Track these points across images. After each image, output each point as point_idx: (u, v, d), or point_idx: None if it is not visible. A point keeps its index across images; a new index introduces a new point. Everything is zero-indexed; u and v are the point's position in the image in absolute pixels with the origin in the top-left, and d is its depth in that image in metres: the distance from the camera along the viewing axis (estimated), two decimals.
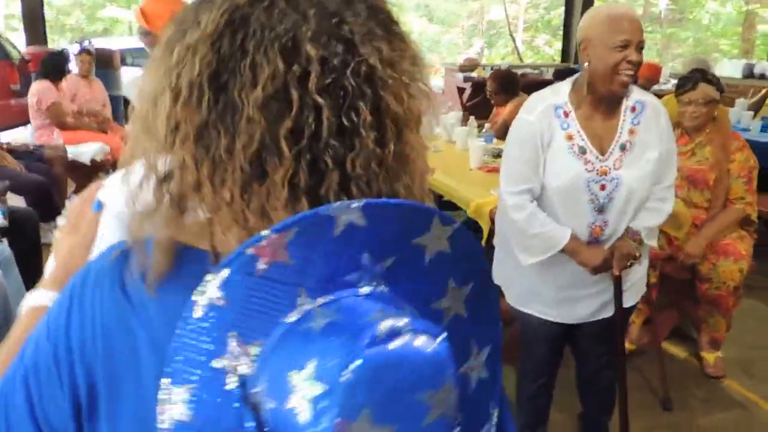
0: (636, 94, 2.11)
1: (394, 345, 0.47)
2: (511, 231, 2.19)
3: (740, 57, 13.33)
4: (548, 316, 2.26)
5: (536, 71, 9.45)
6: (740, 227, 3.27)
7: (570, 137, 2.06)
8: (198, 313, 0.51)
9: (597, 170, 2.06)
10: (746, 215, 3.21)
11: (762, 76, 8.73)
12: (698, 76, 3.17)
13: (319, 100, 0.55)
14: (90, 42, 6.57)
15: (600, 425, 2.57)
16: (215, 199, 0.57)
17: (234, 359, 0.50)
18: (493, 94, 5.14)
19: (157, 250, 0.61)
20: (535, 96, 2.17)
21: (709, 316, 3.32)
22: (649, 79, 5.24)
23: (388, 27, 0.61)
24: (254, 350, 0.50)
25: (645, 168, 2.09)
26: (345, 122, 0.56)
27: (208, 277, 0.51)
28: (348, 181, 0.57)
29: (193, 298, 0.51)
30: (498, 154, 4.24)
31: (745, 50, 15.77)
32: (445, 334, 0.50)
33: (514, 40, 16.33)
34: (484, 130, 4.94)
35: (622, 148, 2.07)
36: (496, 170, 3.82)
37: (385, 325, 0.47)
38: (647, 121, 2.09)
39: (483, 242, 3.10)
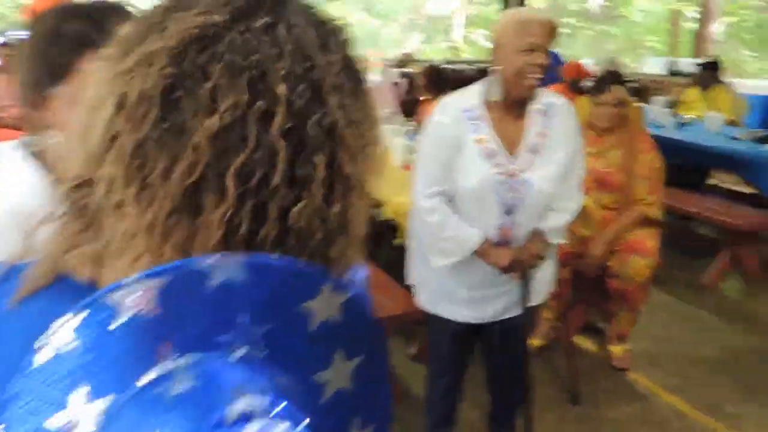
0: (545, 97, 2.16)
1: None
2: (424, 233, 2.24)
3: (667, 54, 13.81)
4: (458, 316, 2.32)
5: (472, 67, 9.58)
6: (646, 225, 3.41)
7: (481, 140, 2.11)
8: (42, 358, 0.45)
9: (506, 172, 2.11)
10: (645, 215, 3.33)
11: (683, 74, 9.12)
12: (610, 78, 3.30)
13: (278, 143, 0.52)
14: (11, 33, 6.35)
15: (508, 422, 2.67)
16: (136, 222, 0.52)
17: (75, 417, 0.44)
18: (423, 89, 5.18)
19: (41, 264, 0.57)
20: (449, 98, 2.22)
21: (617, 311, 3.47)
22: (575, 78, 5.35)
23: (357, 84, 0.59)
24: (102, 405, 0.44)
25: (553, 170, 2.15)
26: (298, 172, 0.53)
27: (66, 317, 0.46)
28: (286, 234, 0.53)
29: (37, 344, 0.45)
30: None
31: (671, 47, 16.35)
32: (307, 421, 0.45)
33: (451, 35, 16.53)
34: (410, 128, 5.01)
35: (531, 150, 2.13)
36: None
37: (240, 405, 0.42)
38: (556, 123, 2.15)
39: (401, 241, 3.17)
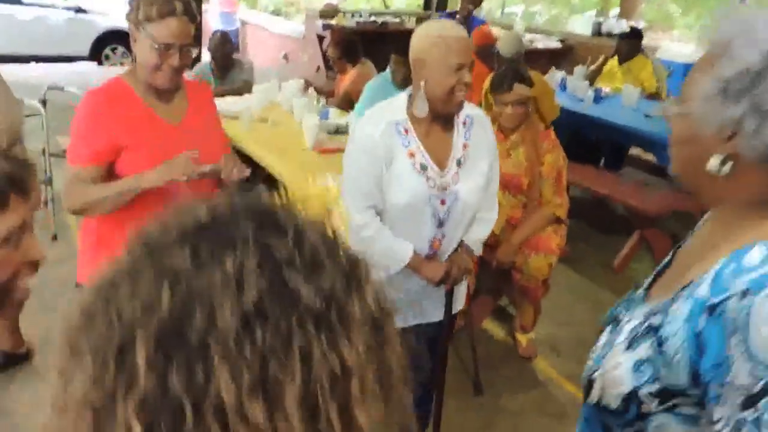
0: (466, 109, 2.20)
1: None
2: (357, 246, 2.21)
3: (600, 7, 13.86)
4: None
5: (398, 20, 9.43)
6: (554, 223, 3.47)
7: (412, 154, 2.14)
8: None
9: (437, 186, 2.16)
10: (555, 217, 3.40)
11: (609, 34, 9.21)
12: (512, 76, 3.24)
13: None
14: None
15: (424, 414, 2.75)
16: None
17: None
18: (335, 60, 5.07)
19: None
20: (377, 110, 2.22)
21: (520, 303, 3.58)
22: (483, 46, 5.19)
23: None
24: None
25: (478, 180, 2.24)
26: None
27: None
28: None
29: None
30: (336, 131, 4.25)
31: (603, 3, 16.48)
32: None
33: None
34: (323, 102, 4.91)
35: (458, 162, 2.19)
36: (331, 151, 3.84)
37: None
38: (477, 134, 2.23)
39: None
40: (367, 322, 0.53)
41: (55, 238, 4.67)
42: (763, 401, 0.85)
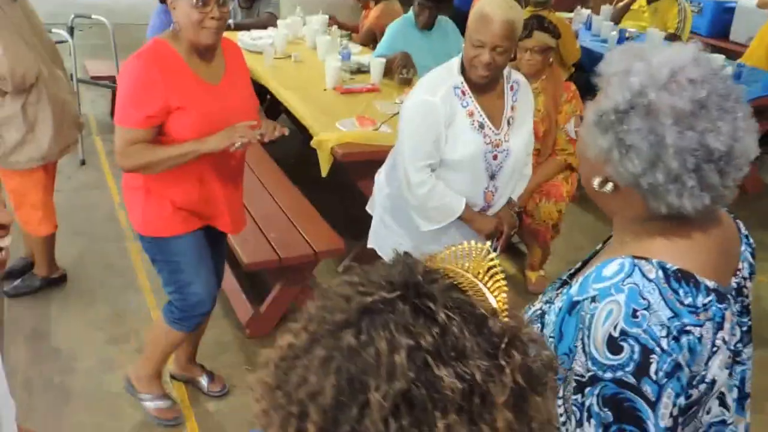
0: (512, 75, 2.45)
1: None
2: (412, 203, 2.48)
3: None
4: None
5: None
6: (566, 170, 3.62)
7: (471, 114, 2.35)
8: None
9: (492, 142, 2.38)
10: (567, 165, 3.56)
11: None
12: (534, 23, 3.31)
13: None
14: None
15: None
16: None
17: None
18: None
19: None
20: (434, 75, 2.41)
21: (530, 245, 3.80)
22: None
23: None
24: None
25: (525, 137, 2.49)
26: None
27: None
28: None
29: None
30: (358, 70, 4.38)
31: None
32: None
33: None
34: (346, 40, 4.99)
35: (509, 122, 2.41)
36: (351, 92, 3.99)
37: None
38: (522, 97, 2.46)
39: (324, 174, 3.34)
40: (510, 400, 0.59)
41: (83, 163, 4.90)
42: (588, 389, 1.05)
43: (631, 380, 1.01)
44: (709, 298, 1.05)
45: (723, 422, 1.15)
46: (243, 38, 4.84)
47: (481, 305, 0.65)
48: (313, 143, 3.38)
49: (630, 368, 1.00)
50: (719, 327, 1.07)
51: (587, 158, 1.11)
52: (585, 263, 1.30)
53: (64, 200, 4.20)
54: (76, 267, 3.68)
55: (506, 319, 0.66)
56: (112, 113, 5.76)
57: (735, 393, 1.17)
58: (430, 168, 2.40)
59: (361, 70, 4.37)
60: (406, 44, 4.21)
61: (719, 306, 1.07)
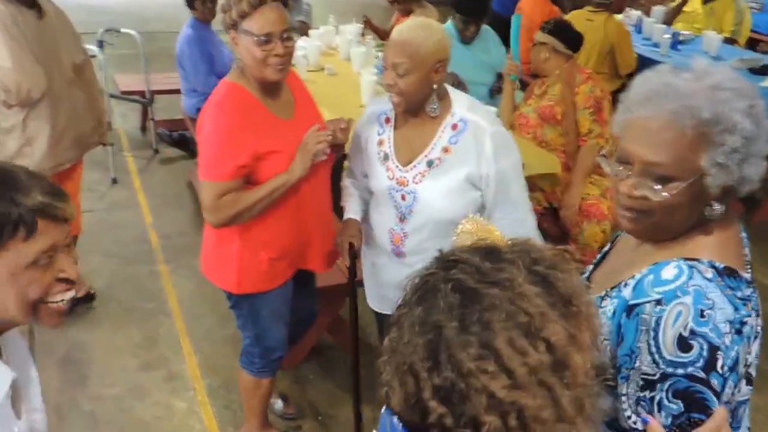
0: (462, 112, 2.13)
1: None
2: None
3: None
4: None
5: None
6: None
7: (381, 143, 2.23)
8: None
9: (396, 179, 2.18)
10: (600, 148, 3.46)
11: None
12: (549, 25, 3.67)
13: None
14: None
15: None
16: None
17: None
18: (395, 1, 5.08)
19: None
20: (381, 97, 2.36)
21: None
22: None
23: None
24: None
25: (448, 185, 2.12)
26: None
27: None
28: None
29: None
30: None
31: None
32: None
33: None
34: (381, 50, 4.96)
35: (429, 163, 2.14)
36: None
37: None
38: (465, 141, 2.11)
39: None
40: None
41: (115, 181, 4.98)
42: (658, 385, 1.14)
43: (701, 375, 1.11)
44: (750, 290, 1.19)
45: (747, 400, 1.25)
46: None
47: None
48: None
49: (700, 364, 1.11)
50: (757, 314, 1.19)
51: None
52: (597, 265, 1.45)
53: (96, 220, 4.28)
54: (107, 289, 3.74)
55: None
56: (142, 128, 5.87)
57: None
58: (350, 170, 2.41)
59: None
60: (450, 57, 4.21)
61: (754, 295, 1.20)
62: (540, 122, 3.62)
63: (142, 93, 5.47)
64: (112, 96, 5.29)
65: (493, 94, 4.24)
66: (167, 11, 9.66)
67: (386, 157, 2.21)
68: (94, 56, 4.88)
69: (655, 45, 5.68)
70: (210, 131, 2.14)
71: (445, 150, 2.13)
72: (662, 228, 1.21)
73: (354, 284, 2.50)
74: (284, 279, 2.37)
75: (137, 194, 4.88)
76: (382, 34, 5.37)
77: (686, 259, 1.18)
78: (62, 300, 1.15)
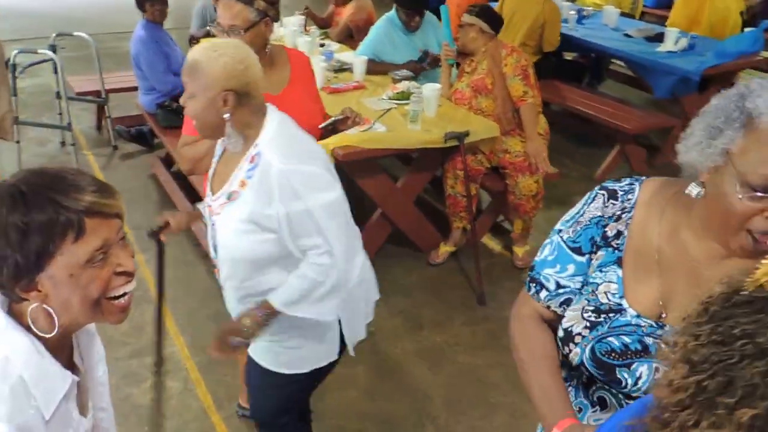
0: (262, 145, 1.72)
1: None
2: None
3: None
4: None
5: None
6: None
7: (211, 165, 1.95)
8: None
9: (208, 205, 1.86)
10: (537, 106, 3.70)
11: None
12: (476, 8, 3.74)
13: None
14: None
15: None
16: None
17: None
18: None
19: None
20: None
21: (515, 218, 3.81)
22: None
23: None
24: None
25: (231, 223, 1.76)
26: None
27: None
28: None
29: None
30: (340, 68, 4.26)
31: None
32: None
33: None
34: (324, 38, 4.85)
35: (228, 196, 1.77)
36: (339, 91, 3.88)
37: None
38: (255, 177, 1.72)
39: None
40: None
41: None
42: None
43: None
44: None
45: None
46: None
47: None
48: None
49: None
50: None
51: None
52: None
53: None
54: None
55: None
56: (98, 126, 5.58)
57: None
58: None
59: (343, 68, 4.25)
60: (391, 44, 4.20)
61: None
62: (474, 94, 3.72)
63: (97, 93, 5.17)
64: (69, 98, 4.98)
65: (418, 73, 4.15)
66: (113, 14, 9.18)
67: (203, 182, 1.96)
68: (50, 59, 4.61)
69: (564, 20, 5.74)
70: None
71: (242, 184, 1.74)
72: None
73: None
74: None
75: None
76: (321, 23, 5.26)
77: None
78: (124, 294, 1.08)
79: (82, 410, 1.15)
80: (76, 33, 4.99)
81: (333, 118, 2.38)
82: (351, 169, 3.41)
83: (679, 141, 1.11)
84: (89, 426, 1.16)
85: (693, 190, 1.08)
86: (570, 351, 1.22)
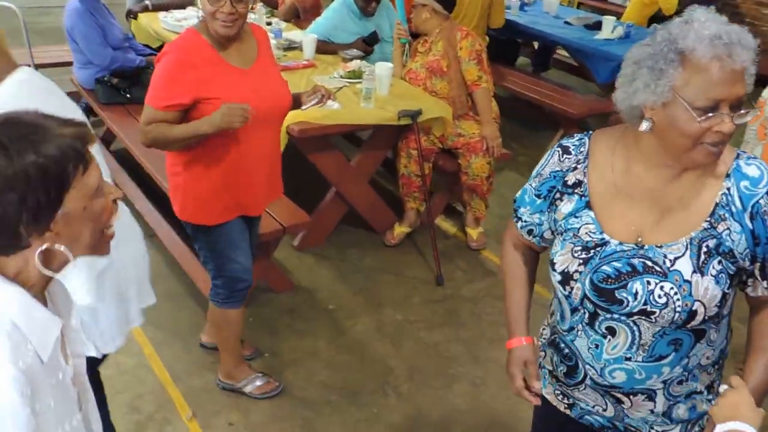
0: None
1: None
2: None
3: None
4: None
5: None
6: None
7: None
8: None
9: None
10: (490, 90, 3.81)
11: None
12: None
13: None
14: None
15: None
16: None
17: None
18: None
19: None
20: None
21: (470, 199, 3.91)
22: None
23: None
24: None
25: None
26: None
27: None
28: None
29: None
30: (289, 47, 4.26)
31: None
32: None
33: None
34: (270, 17, 4.83)
35: None
36: (289, 69, 3.88)
37: None
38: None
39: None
40: None
41: None
42: None
43: None
44: None
45: None
46: (166, 19, 4.59)
47: None
48: None
49: None
50: None
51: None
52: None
53: None
54: None
55: None
56: None
57: None
58: None
59: (292, 47, 4.25)
60: (344, 27, 4.23)
61: None
62: (429, 75, 3.80)
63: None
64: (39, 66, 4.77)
65: (367, 54, 4.19)
66: None
67: None
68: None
69: (508, 7, 5.91)
70: (158, 69, 2.26)
71: None
72: None
73: None
74: (225, 219, 2.40)
75: None
76: (268, 1, 5.23)
77: (736, 158, 1.30)
78: (112, 225, 1.13)
79: (64, 357, 1.17)
80: (2, 3, 4.78)
81: (314, 98, 2.50)
82: (306, 147, 3.43)
83: (616, 90, 1.32)
84: (72, 373, 1.18)
85: (644, 124, 1.27)
86: (571, 289, 1.37)
